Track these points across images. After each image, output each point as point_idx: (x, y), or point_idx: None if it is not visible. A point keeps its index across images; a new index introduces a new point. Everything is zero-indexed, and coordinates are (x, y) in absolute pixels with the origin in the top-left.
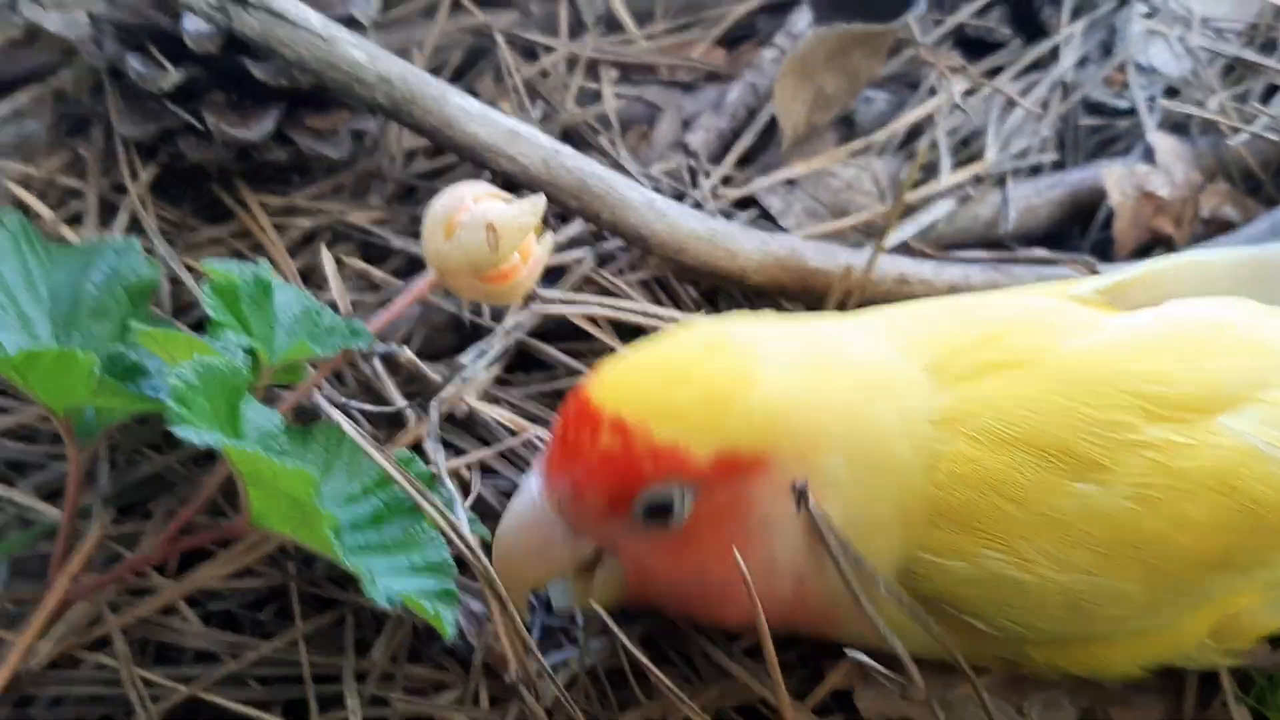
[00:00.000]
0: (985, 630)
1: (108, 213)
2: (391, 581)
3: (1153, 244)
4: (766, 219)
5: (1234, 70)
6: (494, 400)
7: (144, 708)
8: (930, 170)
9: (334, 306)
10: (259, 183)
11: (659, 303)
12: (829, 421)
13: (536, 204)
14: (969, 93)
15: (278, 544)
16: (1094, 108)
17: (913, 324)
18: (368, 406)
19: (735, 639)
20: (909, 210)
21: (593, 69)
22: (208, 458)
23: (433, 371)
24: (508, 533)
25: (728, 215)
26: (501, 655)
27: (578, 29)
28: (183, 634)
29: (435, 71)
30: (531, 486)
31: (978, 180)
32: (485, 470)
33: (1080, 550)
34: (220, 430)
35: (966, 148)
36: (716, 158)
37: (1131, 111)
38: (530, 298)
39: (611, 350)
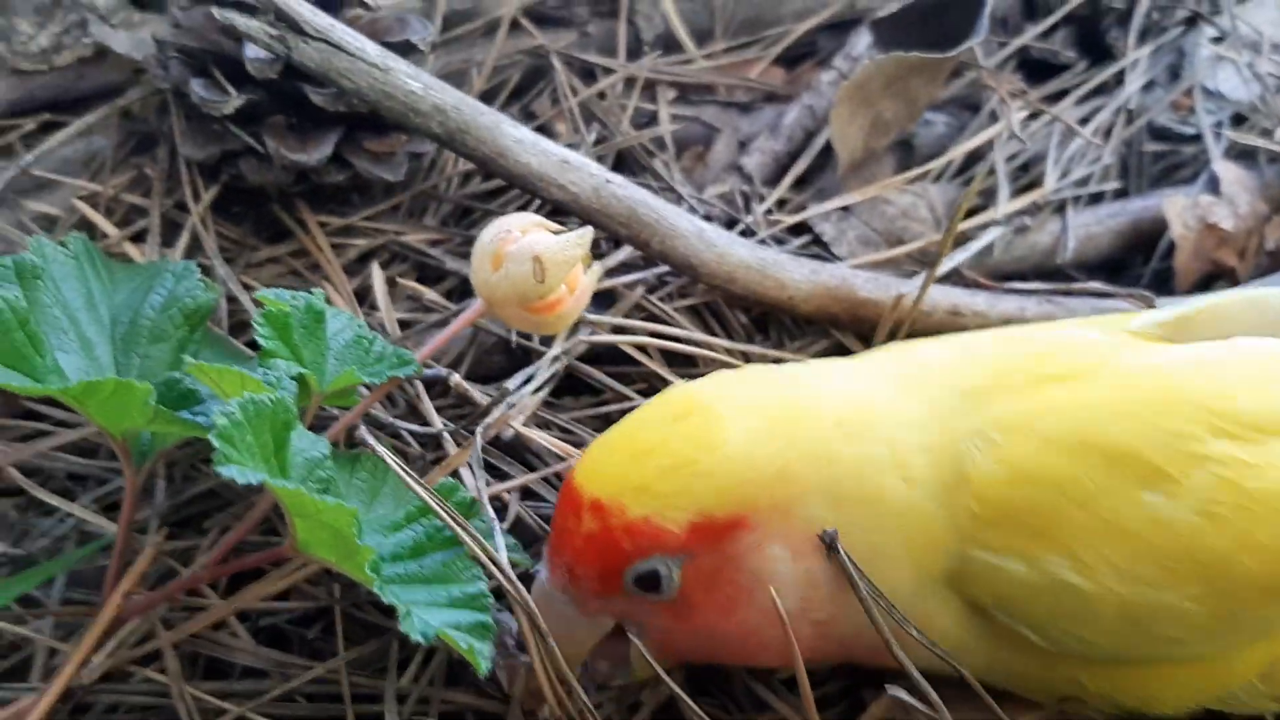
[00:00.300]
0: (1037, 644)
1: (170, 231)
2: (428, 615)
3: (1215, 276)
4: (819, 245)
5: None
6: (542, 424)
7: None
8: (988, 196)
9: (383, 328)
10: (318, 203)
11: (709, 330)
12: (802, 469)
13: (583, 236)
14: (1031, 116)
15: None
16: (1159, 133)
17: (940, 352)
18: (415, 427)
19: (773, 672)
20: (964, 239)
21: (650, 89)
22: None
23: (482, 394)
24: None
25: (780, 241)
26: (539, 692)
27: (636, 49)
28: (232, 649)
29: (493, 92)
30: (541, 575)
31: (1036, 208)
32: (527, 495)
33: (1143, 561)
34: (266, 464)
35: (1026, 173)
36: (772, 181)
37: (1197, 138)
38: (579, 323)
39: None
